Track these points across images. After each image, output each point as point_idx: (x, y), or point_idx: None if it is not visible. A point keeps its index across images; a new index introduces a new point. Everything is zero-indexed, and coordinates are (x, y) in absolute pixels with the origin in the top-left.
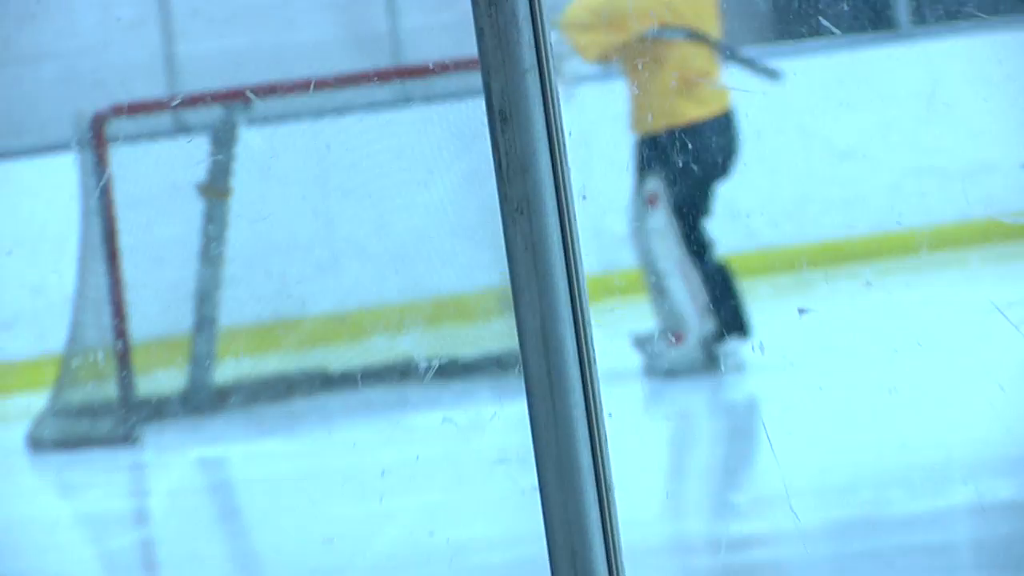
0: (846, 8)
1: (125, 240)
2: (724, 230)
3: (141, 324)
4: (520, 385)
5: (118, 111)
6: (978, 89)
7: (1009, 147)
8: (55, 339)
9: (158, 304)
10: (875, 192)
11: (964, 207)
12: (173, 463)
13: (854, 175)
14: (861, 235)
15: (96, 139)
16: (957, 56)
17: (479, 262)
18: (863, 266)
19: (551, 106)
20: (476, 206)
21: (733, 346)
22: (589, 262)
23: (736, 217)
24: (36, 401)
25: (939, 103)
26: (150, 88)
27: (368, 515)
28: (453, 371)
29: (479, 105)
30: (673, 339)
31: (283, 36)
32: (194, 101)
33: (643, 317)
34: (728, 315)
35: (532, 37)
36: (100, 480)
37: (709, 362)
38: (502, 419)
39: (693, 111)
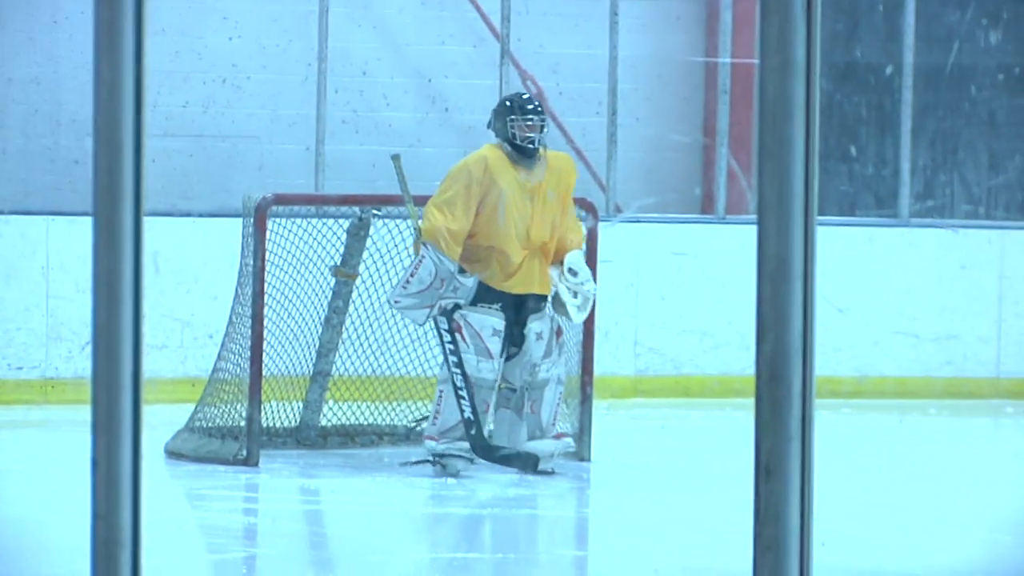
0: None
1: (269, 295)
2: (744, 358)
3: (271, 363)
4: None
5: (279, 200)
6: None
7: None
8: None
9: (286, 350)
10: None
11: (930, 367)
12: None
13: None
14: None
15: (258, 220)
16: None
17: None
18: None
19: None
20: None
21: None
22: None
23: (751, 348)
24: (177, 413)
25: (923, 282)
26: (301, 175)
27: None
28: None
29: None
30: None
31: (412, 150)
32: (339, 201)
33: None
34: None
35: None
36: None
37: None
38: None
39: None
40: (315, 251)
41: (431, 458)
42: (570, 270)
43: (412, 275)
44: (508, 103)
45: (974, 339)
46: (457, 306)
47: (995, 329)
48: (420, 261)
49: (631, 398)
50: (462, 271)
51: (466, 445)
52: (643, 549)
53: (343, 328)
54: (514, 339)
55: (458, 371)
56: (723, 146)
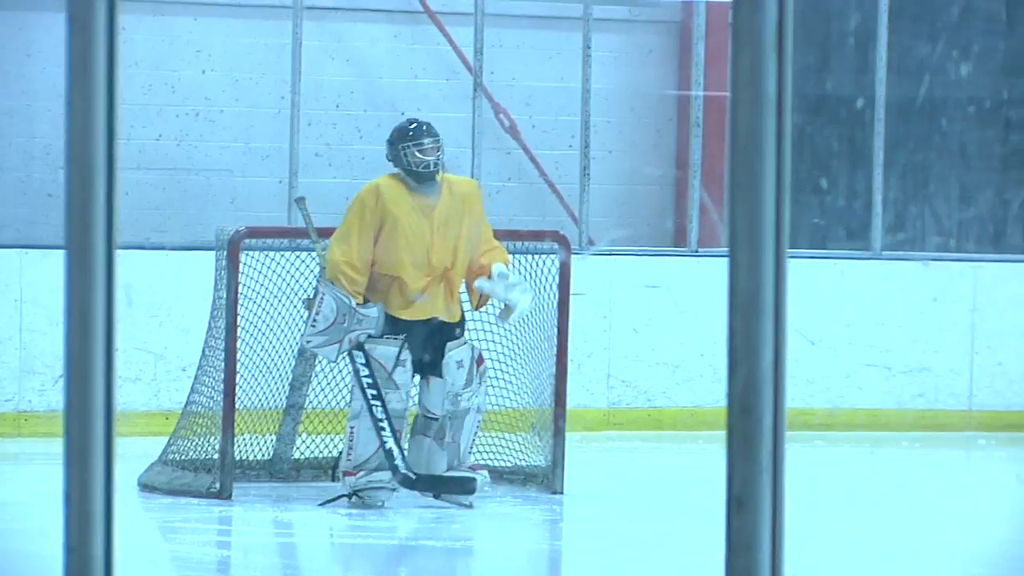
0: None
1: (242, 328)
2: (716, 391)
3: (244, 397)
4: None
5: (252, 233)
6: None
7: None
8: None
9: (259, 383)
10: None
11: (902, 399)
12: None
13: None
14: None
15: (231, 253)
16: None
17: None
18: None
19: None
20: None
21: None
22: None
23: (723, 380)
24: (150, 446)
25: (895, 315)
26: (274, 208)
27: None
28: None
29: None
30: None
31: None
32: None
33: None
34: None
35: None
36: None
37: None
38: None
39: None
40: (288, 284)
41: (348, 493)
42: (499, 275)
43: (317, 314)
44: (398, 131)
45: (946, 371)
46: (370, 336)
47: (967, 361)
48: (321, 299)
49: (604, 431)
50: (366, 302)
51: (386, 476)
52: None
53: (316, 361)
54: (433, 368)
55: (378, 403)
56: (695, 179)
